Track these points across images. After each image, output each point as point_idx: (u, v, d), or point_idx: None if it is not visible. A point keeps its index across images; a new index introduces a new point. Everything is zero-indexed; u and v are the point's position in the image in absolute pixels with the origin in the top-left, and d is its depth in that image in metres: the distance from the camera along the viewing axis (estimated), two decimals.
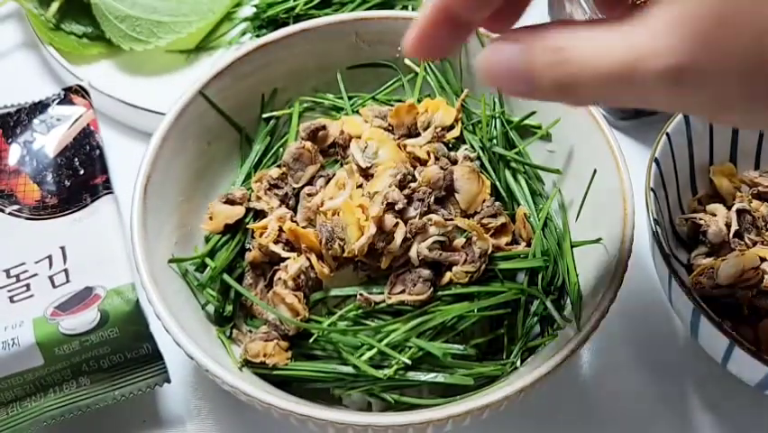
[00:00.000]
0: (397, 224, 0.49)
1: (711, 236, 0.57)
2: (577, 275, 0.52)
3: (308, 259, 0.51)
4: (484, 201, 0.53)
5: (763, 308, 0.55)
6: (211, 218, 0.55)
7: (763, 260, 0.55)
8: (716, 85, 0.30)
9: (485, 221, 0.52)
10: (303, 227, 0.52)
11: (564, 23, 0.34)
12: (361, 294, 0.50)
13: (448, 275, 0.50)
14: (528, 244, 0.53)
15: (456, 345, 0.49)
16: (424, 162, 0.53)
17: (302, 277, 0.51)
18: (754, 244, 0.57)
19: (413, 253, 0.50)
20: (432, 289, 0.50)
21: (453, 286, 0.50)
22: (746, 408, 0.56)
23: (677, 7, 0.30)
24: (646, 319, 0.60)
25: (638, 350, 0.59)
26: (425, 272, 0.50)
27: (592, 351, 0.58)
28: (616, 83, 0.31)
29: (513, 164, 0.56)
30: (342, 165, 0.55)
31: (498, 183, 0.55)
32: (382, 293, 0.50)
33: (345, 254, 0.50)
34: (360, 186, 0.52)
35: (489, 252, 0.51)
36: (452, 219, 0.51)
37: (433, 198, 0.51)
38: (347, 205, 0.50)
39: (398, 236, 0.49)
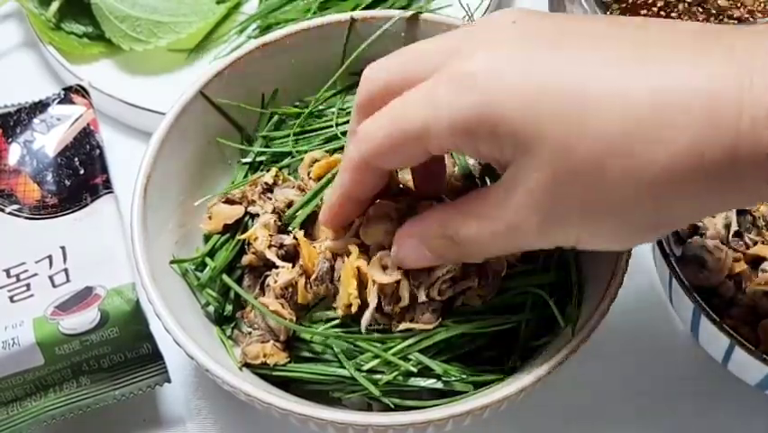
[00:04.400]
0: (399, 281, 0.48)
1: (709, 238, 0.57)
2: (578, 275, 0.52)
3: (297, 279, 0.50)
4: None
5: (763, 308, 0.55)
6: (210, 218, 0.55)
7: (763, 259, 0.55)
8: (563, 234, 0.41)
9: None
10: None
11: (451, 207, 0.45)
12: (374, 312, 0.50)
13: (461, 299, 0.50)
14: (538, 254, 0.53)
15: (458, 366, 0.49)
16: None
17: (290, 289, 0.51)
18: (755, 243, 0.57)
19: (421, 297, 0.48)
20: (440, 318, 0.49)
21: (464, 307, 0.50)
22: (746, 408, 0.56)
23: (522, 188, 0.39)
24: (646, 319, 0.60)
25: (638, 350, 0.59)
26: (436, 304, 0.49)
27: (592, 351, 0.58)
28: (501, 250, 0.44)
29: None
30: None
31: None
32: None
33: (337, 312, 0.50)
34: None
35: (503, 274, 0.50)
36: None
37: None
38: (348, 266, 0.49)
39: (405, 294, 0.48)
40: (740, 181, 0.37)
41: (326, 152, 0.57)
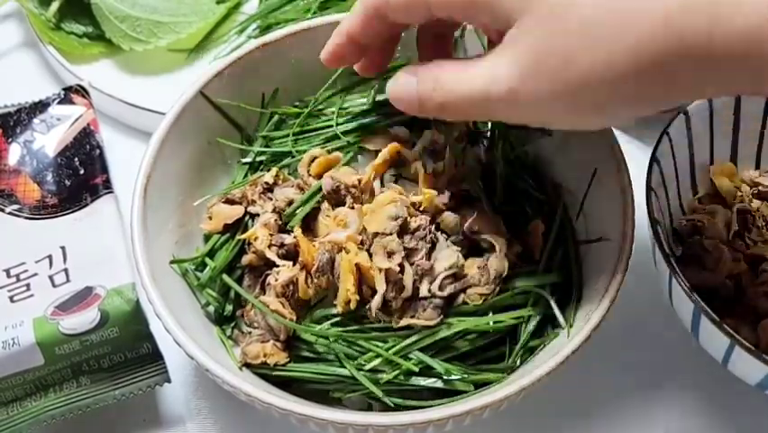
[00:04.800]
0: (402, 268, 0.48)
1: (709, 238, 0.57)
2: (579, 275, 0.52)
3: (298, 275, 0.50)
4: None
5: (763, 308, 0.55)
6: (210, 218, 0.55)
7: (763, 259, 0.55)
8: (543, 104, 0.41)
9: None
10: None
11: (450, 60, 0.46)
12: (369, 310, 0.50)
13: (462, 297, 0.50)
14: (539, 254, 0.53)
15: (459, 365, 0.49)
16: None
17: (290, 287, 0.51)
18: (755, 243, 0.57)
19: (423, 291, 0.49)
20: (442, 315, 0.49)
21: (465, 306, 0.50)
22: (746, 408, 0.56)
23: (518, 45, 0.41)
24: (646, 319, 0.60)
25: (638, 350, 0.59)
26: (437, 301, 0.49)
27: (592, 351, 0.58)
28: (475, 103, 0.43)
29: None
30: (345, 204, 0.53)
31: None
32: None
33: (336, 309, 0.50)
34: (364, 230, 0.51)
35: (505, 274, 0.50)
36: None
37: (437, 234, 0.51)
38: (346, 262, 0.49)
39: (408, 280, 0.48)
40: (716, 63, 0.38)
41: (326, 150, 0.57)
